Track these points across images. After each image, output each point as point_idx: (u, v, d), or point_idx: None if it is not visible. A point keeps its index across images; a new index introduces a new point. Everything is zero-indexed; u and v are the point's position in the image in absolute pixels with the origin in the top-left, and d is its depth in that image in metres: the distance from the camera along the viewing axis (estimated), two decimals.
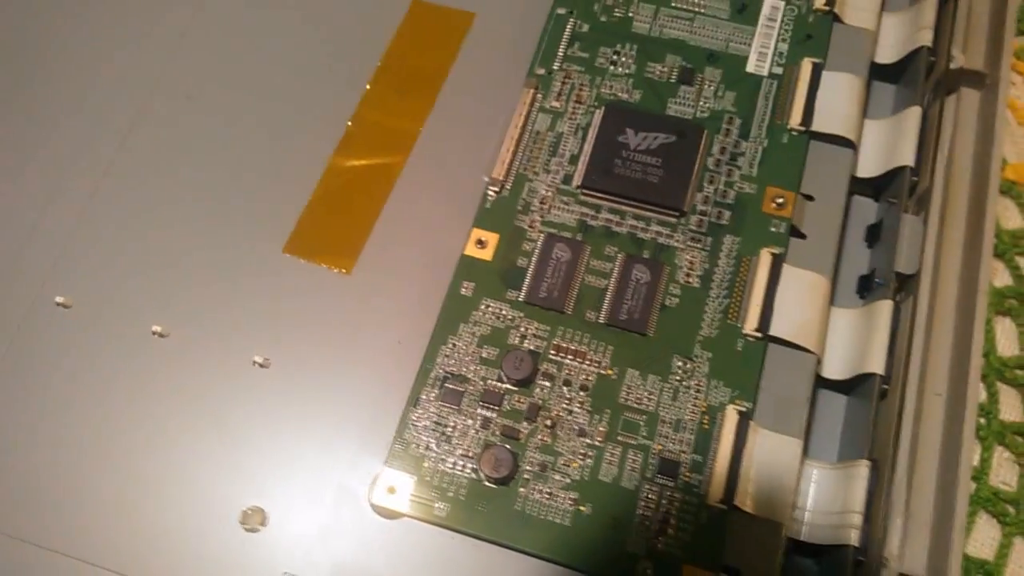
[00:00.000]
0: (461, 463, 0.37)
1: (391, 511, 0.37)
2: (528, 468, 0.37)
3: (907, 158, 0.41)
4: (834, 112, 0.42)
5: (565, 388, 0.38)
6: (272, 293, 0.42)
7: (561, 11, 0.46)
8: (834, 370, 0.39)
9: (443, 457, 0.38)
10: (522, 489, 0.37)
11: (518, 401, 0.38)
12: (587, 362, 0.39)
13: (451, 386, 0.39)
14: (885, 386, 0.38)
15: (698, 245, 0.40)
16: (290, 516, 0.38)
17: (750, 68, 0.44)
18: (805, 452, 0.38)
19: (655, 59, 0.44)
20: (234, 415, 0.40)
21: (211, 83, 0.47)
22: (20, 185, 0.45)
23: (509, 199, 0.42)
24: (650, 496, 0.37)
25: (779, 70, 0.44)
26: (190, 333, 0.42)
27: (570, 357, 0.39)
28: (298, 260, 0.43)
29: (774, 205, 0.41)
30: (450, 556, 0.37)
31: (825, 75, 0.43)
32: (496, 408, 0.38)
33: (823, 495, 0.37)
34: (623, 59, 0.44)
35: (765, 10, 0.45)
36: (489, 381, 0.39)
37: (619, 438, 0.37)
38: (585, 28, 0.45)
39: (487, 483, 0.37)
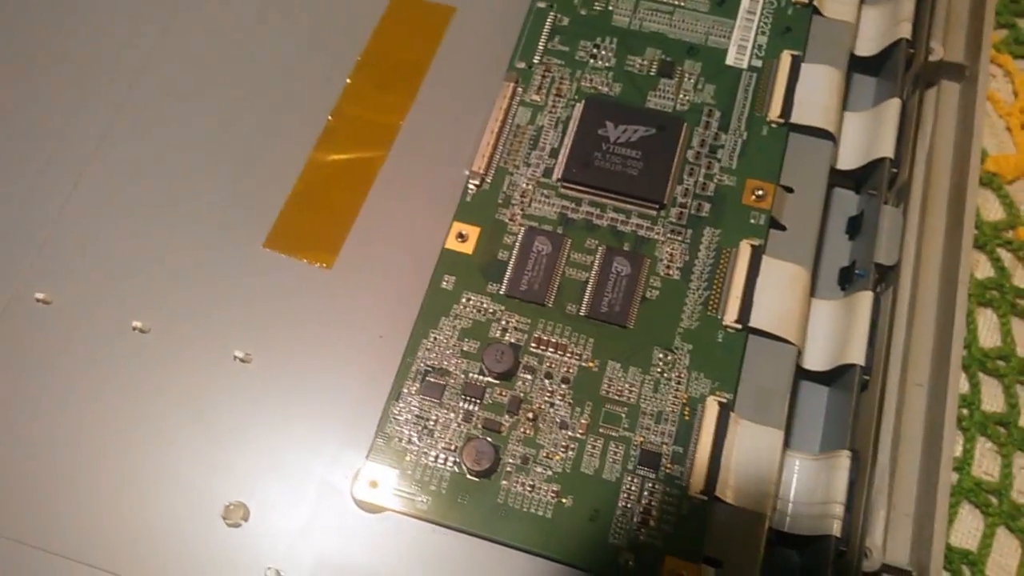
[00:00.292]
0: (443, 456, 0.37)
1: (373, 505, 0.37)
2: (510, 461, 0.37)
3: (887, 150, 0.41)
4: (814, 104, 0.43)
5: (547, 381, 0.38)
6: (253, 288, 0.42)
7: (541, 5, 0.46)
8: (815, 361, 0.39)
9: (425, 451, 0.37)
10: (504, 482, 0.37)
11: (499, 394, 0.38)
12: (568, 355, 0.39)
13: (432, 380, 0.38)
14: (866, 377, 0.38)
15: (678, 237, 0.40)
16: (272, 511, 0.38)
17: (730, 61, 0.44)
18: (786, 443, 0.38)
19: (635, 52, 0.44)
20: (215, 410, 0.40)
21: (191, 79, 0.47)
22: None
23: (490, 193, 0.42)
24: (632, 488, 0.37)
25: (758, 63, 0.44)
26: (171, 329, 0.41)
27: (551, 350, 0.39)
28: (279, 255, 0.43)
29: (754, 197, 0.41)
30: (433, 549, 0.37)
31: (804, 67, 0.43)
32: (478, 401, 0.38)
33: (805, 486, 0.37)
34: (603, 52, 0.44)
35: (744, 3, 0.45)
36: (470, 374, 0.39)
37: (601, 430, 0.37)
38: (565, 22, 0.45)
39: (469, 476, 0.37)
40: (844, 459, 0.36)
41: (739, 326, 0.39)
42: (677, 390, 0.38)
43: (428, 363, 0.39)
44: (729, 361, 0.38)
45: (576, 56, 0.44)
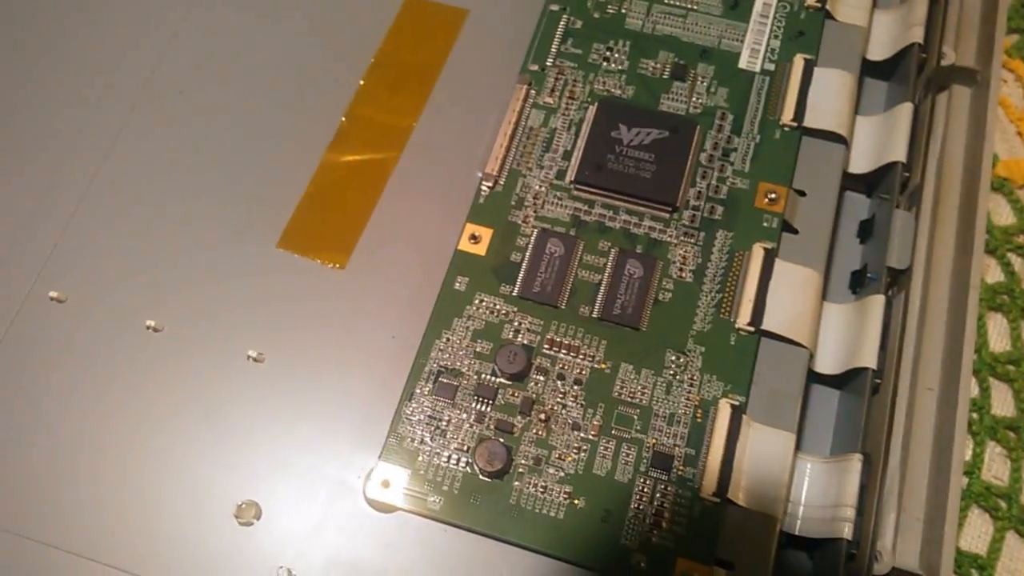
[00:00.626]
0: (455, 457, 0.37)
1: (385, 505, 0.37)
2: (522, 462, 0.37)
3: (899, 154, 0.41)
4: (826, 108, 0.43)
5: (559, 382, 0.38)
6: (266, 288, 0.42)
7: (554, 7, 0.46)
8: (826, 365, 0.39)
9: (437, 451, 0.38)
10: (516, 483, 0.37)
11: (512, 395, 0.38)
12: (581, 356, 0.39)
13: (445, 380, 0.39)
14: (877, 381, 0.38)
15: (691, 240, 0.41)
16: (284, 510, 0.38)
17: (742, 64, 0.44)
18: (798, 446, 0.38)
19: (648, 55, 0.44)
20: (228, 409, 0.40)
21: (205, 80, 0.47)
22: (14, 180, 0.45)
23: (503, 194, 0.42)
24: (644, 489, 0.37)
25: (771, 66, 0.44)
26: (184, 328, 0.42)
27: (564, 351, 0.39)
28: (292, 255, 0.43)
29: (767, 200, 0.41)
30: (444, 550, 0.37)
31: (817, 71, 0.43)
32: (490, 402, 0.38)
33: (816, 489, 0.37)
34: (616, 55, 0.45)
35: (757, 7, 0.45)
36: (483, 375, 0.39)
37: (613, 432, 0.38)
38: (578, 24, 0.45)
39: (481, 477, 0.37)
40: (855, 462, 0.36)
41: (751, 329, 0.39)
42: (689, 392, 0.38)
43: (441, 364, 0.39)
44: (741, 364, 0.38)
45: (589, 59, 0.45)
